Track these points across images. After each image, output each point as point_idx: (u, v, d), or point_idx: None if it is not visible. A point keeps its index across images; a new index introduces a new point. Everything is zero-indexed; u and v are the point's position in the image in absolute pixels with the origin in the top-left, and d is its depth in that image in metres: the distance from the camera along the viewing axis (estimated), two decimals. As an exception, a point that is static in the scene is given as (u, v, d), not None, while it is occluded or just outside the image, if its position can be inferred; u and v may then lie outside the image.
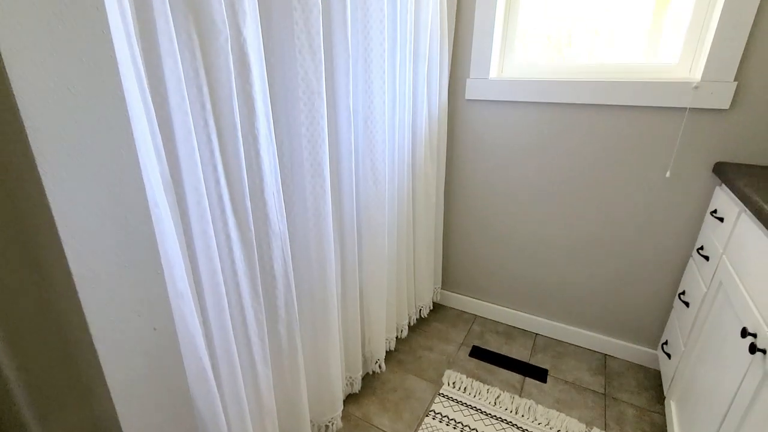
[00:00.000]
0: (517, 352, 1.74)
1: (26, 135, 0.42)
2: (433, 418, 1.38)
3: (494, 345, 1.78)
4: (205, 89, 0.69)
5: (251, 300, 0.87)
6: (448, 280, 2.03)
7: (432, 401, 1.46)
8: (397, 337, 1.70)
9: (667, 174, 1.38)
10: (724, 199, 1.20)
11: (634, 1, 1.42)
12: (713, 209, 1.27)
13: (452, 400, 1.46)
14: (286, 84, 0.90)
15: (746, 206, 0.97)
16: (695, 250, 1.34)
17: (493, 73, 1.63)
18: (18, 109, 0.41)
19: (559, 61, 1.60)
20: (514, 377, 1.59)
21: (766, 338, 0.77)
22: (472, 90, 1.65)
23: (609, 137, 1.46)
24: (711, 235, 1.24)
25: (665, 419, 1.36)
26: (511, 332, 1.87)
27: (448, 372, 1.60)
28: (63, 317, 0.52)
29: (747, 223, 0.99)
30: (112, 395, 0.54)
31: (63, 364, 0.54)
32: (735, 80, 1.22)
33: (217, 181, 0.75)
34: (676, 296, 1.44)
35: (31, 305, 0.51)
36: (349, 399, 1.45)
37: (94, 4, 0.45)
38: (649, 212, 1.47)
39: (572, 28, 1.55)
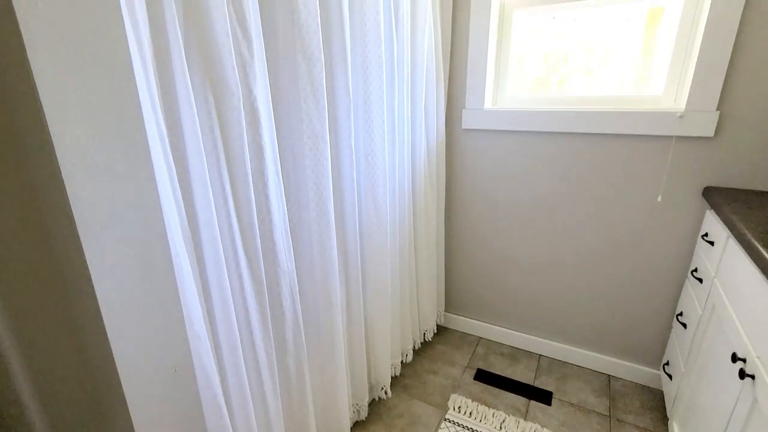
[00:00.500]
0: (522, 374, 1.76)
1: (72, 211, 0.48)
2: (440, 444, 1.40)
3: (499, 367, 1.80)
4: (220, 145, 0.76)
5: (261, 335, 0.91)
6: (451, 303, 2.06)
7: (438, 427, 1.48)
8: (402, 362, 1.73)
9: (659, 198, 1.43)
10: (713, 223, 1.25)
11: (622, 33, 1.50)
12: (704, 233, 1.31)
13: (458, 425, 1.48)
14: (292, 130, 0.97)
15: (732, 233, 1.02)
16: (690, 272, 1.38)
17: (488, 104, 1.71)
18: (66, 189, 0.47)
19: (551, 92, 1.68)
20: (519, 400, 1.61)
21: (755, 364, 0.81)
22: (468, 120, 1.72)
23: (602, 164, 1.52)
24: (704, 258, 1.29)
25: (670, 441, 1.37)
26: (515, 354, 1.89)
27: (453, 396, 1.62)
28: (92, 362, 0.57)
29: (735, 248, 1.04)
30: (135, 429, 0.59)
31: (90, 401, 0.58)
32: (717, 110, 1.29)
33: (231, 226, 0.80)
34: (675, 317, 1.47)
35: (65, 352, 0.56)
36: (356, 426, 1.47)
37: (126, 77, 0.51)
38: (644, 235, 1.51)
39: (563, 59, 1.63)
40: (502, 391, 1.66)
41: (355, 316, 1.31)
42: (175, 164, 0.69)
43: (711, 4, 1.22)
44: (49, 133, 0.45)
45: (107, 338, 0.55)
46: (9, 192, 0.48)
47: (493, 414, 1.52)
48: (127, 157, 0.52)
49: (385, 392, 1.55)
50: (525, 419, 1.51)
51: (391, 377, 1.62)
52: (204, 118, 0.73)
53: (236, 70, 0.74)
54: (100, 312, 0.52)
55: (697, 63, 1.28)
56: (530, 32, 1.64)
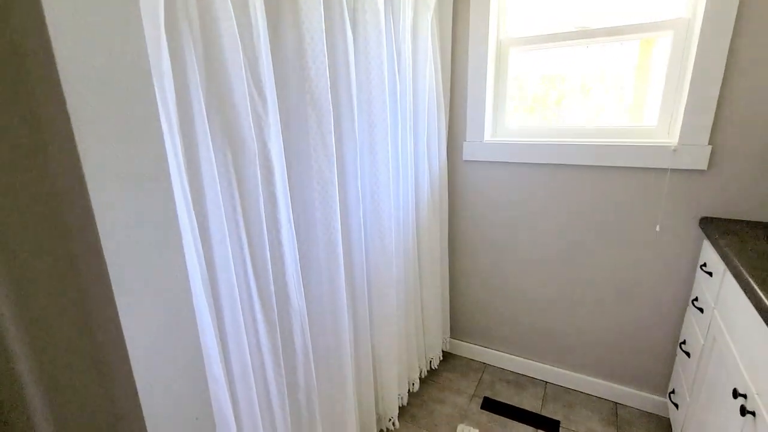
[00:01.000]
0: (528, 402, 1.76)
1: (108, 273, 0.52)
2: (448, 477, 1.40)
3: (505, 395, 1.81)
4: (237, 196, 0.81)
5: (274, 374, 0.95)
6: (456, 329, 2.08)
7: (446, 458, 1.48)
8: (409, 391, 1.74)
9: (657, 228, 1.47)
10: (711, 254, 1.28)
11: (616, 66, 1.57)
12: (703, 263, 1.34)
13: (466, 457, 1.48)
14: (302, 177, 1.02)
15: (728, 267, 1.05)
16: (691, 301, 1.40)
17: (488, 136, 1.77)
18: (105, 259, 0.52)
19: (549, 124, 1.74)
20: (527, 430, 1.61)
21: (755, 401, 0.83)
22: (469, 152, 1.78)
23: (600, 194, 1.56)
24: (703, 288, 1.31)
25: (679, 472, 1.36)
26: (521, 381, 1.90)
27: (460, 427, 1.62)
28: (120, 412, 0.60)
29: (732, 282, 1.06)
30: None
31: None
32: (709, 144, 1.34)
33: (246, 272, 0.85)
34: (678, 345, 1.48)
35: (91, 399, 0.60)
36: (365, 458, 1.48)
37: (158, 145, 0.56)
38: (643, 264, 1.54)
39: (559, 94, 1.70)
40: (509, 420, 1.66)
41: (362, 348, 1.33)
42: (196, 216, 0.74)
43: (699, 41, 1.29)
44: (90, 201, 0.50)
45: (136, 389, 0.58)
46: (52, 264, 0.53)
47: (501, 444, 1.53)
48: (157, 223, 0.57)
49: (393, 423, 1.55)
50: (533, 450, 1.51)
51: (399, 407, 1.63)
52: (223, 173, 0.78)
53: (252, 128, 0.80)
54: (129, 360, 0.56)
55: (687, 99, 1.34)
56: (527, 63, 1.72)
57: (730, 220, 1.35)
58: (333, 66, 1.06)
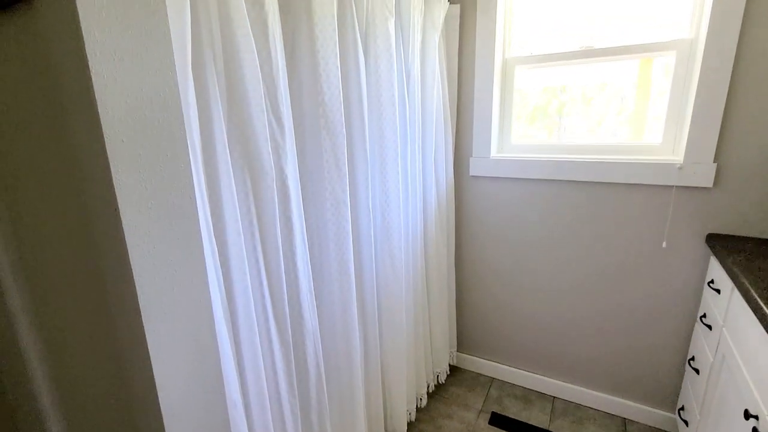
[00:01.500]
0: (536, 417, 1.76)
1: (139, 307, 0.54)
2: (458, 495, 1.39)
3: (513, 410, 1.80)
4: (255, 222, 0.83)
5: (288, 395, 0.95)
6: (463, 343, 2.08)
7: (455, 476, 1.48)
8: (417, 407, 1.74)
9: (664, 245, 1.48)
10: (718, 271, 1.29)
11: (617, 80, 1.60)
12: (710, 279, 1.35)
13: (475, 474, 1.47)
14: (315, 197, 1.04)
15: (735, 285, 1.06)
16: (699, 318, 1.41)
17: (494, 152, 1.79)
18: (135, 284, 0.53)
19: (556, 141, 1.76)
20: (536, 446, 1.60)
21: (767, 423, 0.83)
22: (476, 167, 1.80)
23: (606, 210, 1.58)
24: (711, 305, 1.32)
25: (690, 490, 1.36)
26: (528, 396, 1.89)
27: (469, 443, 1.62)
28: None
29: (740, 300, 1.07)
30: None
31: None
32: (714, 161, 1.35)
33: (263, 295, 0.86)
34: (687, 361, 1.48)
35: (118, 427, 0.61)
36: (374, 476, 1.47)
37: (187, 185, 0.58)
38: (651, 280, 1.55)
39: (560, 103, 1.72)
40: (517, 436, 1.66)
41: (372, 365, 1.34)
42: (216, 241, 0.76)
43: (702, 61, 1.31)
44: (122, 230, 0.52)
45: (161, 416, 0.60)
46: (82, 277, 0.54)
47: (510, 461, 1.52)
48: (185, 253, 0.58)
49: (402, 440, 1.55)
50: (542, 467, 1.51)
51: (407, 422, 1.63)
52: (242, 199, 0.80)
53: (270, 155, 0.82)
54: (155, 386, 0.57)
55: (692, 118, 1.36)
56: (530, 76, 1.75)
57: (736, 236, 1.36)
58: (346, 89, 1.08)
